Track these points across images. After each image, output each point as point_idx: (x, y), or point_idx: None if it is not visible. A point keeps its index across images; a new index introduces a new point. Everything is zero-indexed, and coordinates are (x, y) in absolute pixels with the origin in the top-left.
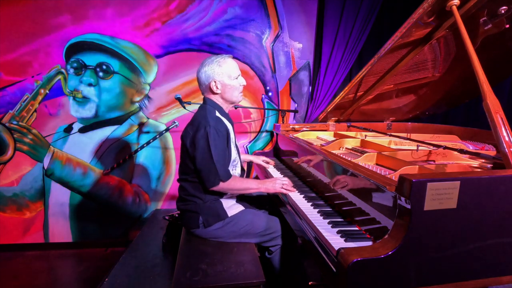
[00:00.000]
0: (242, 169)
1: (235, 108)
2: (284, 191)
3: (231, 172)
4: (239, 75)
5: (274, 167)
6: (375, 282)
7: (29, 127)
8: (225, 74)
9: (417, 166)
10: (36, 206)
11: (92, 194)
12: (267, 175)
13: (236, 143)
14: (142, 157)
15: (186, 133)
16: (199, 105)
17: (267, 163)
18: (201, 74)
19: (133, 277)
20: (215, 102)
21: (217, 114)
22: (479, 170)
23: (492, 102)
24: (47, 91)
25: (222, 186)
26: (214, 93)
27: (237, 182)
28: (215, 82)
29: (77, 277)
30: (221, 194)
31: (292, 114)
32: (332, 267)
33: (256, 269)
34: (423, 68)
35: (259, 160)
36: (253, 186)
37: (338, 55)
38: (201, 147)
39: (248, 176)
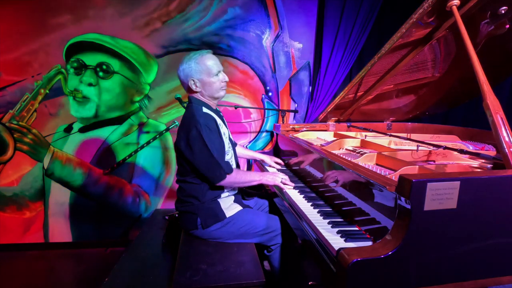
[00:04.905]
0: (238, 165)
1: (235, 108)
2: (282, 186)
3: None
4: (219, 71)
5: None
6: (375, 282)
7: (29, 127)
8: (204, 72)
9: (417, 166)
10: (36, 206)
11: (92, 194)
12: None
13: (230, 136)
14: (142, 157)
15: (179, 137)
16: None
17: (278, 163)
18: (180, 72)
19: (133, 277)
20: (199, 99)
21: (204, 110)
22: (479, 170)
23: (492, 102)
24: (47, 91)
25: (228, 179)
26: (194, 92)
27: (241, 174)
28: (193, 80)
29: (77, 277)
30: (219, 194)
31: (292, 114)
32: (332, 267)
33: (256, 269)
34: (423, 68)
35: (271, 161)
36: (255, 178)
37: (338, 55)
38: (198, 147)
39: None
